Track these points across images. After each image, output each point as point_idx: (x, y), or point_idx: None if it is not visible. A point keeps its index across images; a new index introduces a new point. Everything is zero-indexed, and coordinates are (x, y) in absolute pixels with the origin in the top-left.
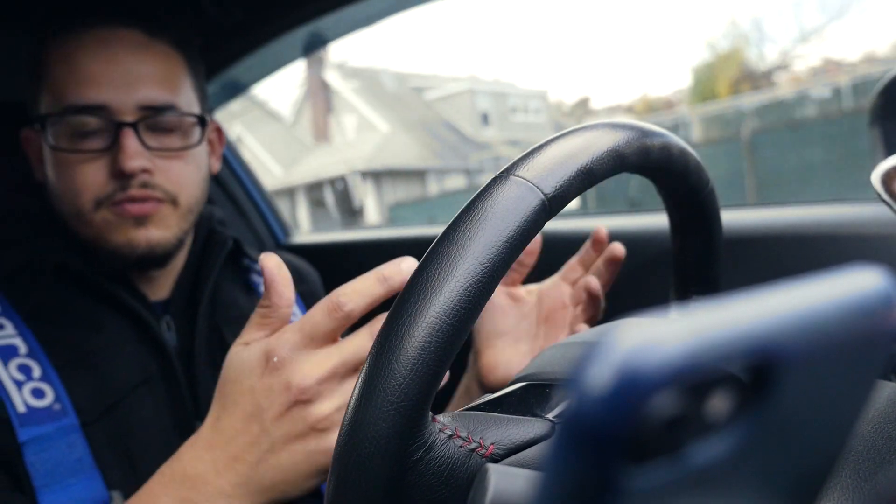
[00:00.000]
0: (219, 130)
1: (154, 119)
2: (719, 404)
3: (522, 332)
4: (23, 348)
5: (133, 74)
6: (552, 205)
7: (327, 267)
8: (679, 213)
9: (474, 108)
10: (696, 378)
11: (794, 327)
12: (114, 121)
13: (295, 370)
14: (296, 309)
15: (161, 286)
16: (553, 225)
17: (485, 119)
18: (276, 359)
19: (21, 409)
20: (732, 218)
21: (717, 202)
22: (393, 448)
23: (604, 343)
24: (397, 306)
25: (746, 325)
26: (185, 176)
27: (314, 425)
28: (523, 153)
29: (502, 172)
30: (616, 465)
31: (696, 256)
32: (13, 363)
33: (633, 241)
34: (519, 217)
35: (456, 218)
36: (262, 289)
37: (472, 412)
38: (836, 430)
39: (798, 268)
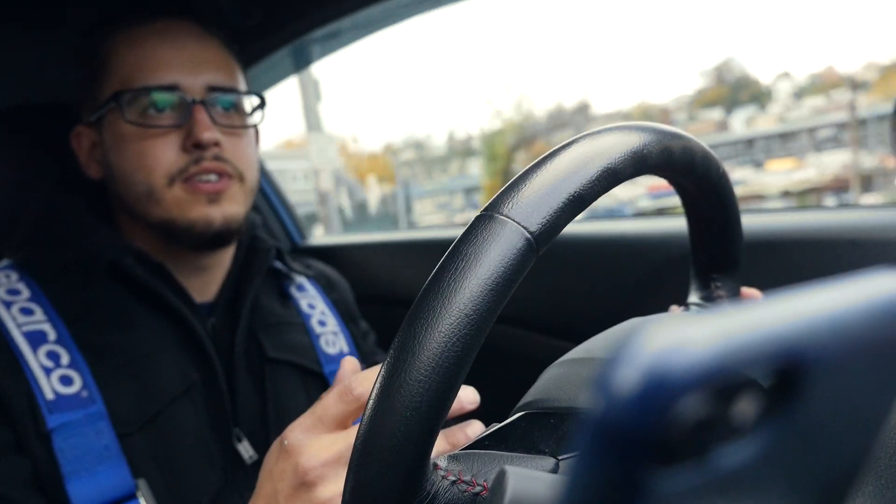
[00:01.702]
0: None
1: (218, 99)
2: (746, 408)
3: None
4: (52, 334)
5: (198, 58)
6: (539, 243)
7: (343, 269)
8: (692, 203)
9: None
10: (724, 381)
11: (822, 331)
12: (185, 99)
13: (302, 452)
14: (328, 312)
15: (207, 288)
16: (565, 229)
17: None
18: (286, 442)
19: (49, 395)
20: (756, 222)
21: (731, 186)
22: None
23: (631, 344)
24: (387, 366)
25: (774, 329)
26: (248, 153)
27: None
28: (507, 185)
29: (486, 210)
30: (643, 467)
31: (715, 241)
32: (42, 350)
33: (651, 243)
34: (504, 262)
35: (440, 266)
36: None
37: (474, 452)
38: (861, 434)
39: (822, 272)
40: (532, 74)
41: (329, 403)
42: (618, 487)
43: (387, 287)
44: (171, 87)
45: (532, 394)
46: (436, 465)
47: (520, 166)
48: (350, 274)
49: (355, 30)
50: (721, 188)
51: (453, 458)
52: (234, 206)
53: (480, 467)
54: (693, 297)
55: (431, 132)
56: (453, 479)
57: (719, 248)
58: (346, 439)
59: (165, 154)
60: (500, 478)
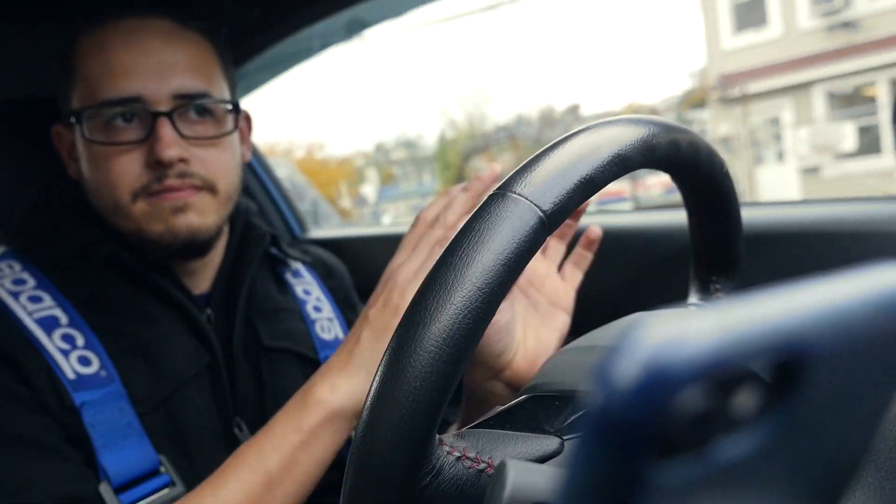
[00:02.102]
0: (248, 119)
1: (189, 107)
2: (745, 401)
3: (530, 316)
4: (63, 318)
5: (166, 64)
6: (551, 222)
7: (344, 261)
8: (695, 200)
9: None
10: (723, 374)
11: (822, 324)
12: (149, 111)
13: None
14: (323, 298)
15: (202, 279)
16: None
17: None
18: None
19: (71, 375)
20: (756, 215)
21: (734, 186)
22: (400, 476)
23: (630, 337)
24: (397, 336)
25: (774, 321)
26: (221, 163)
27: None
28: (520, 165)
29: (499, 188)
30: (643, 460)
31: (715, 241)
32: (56, 333)
33: (652, 237)
34: (516, 238)
35: (453, 241)
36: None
37: (479, 430)
38: (861, 427)
39: (822, 265)
40: (500, 80)
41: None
42: (617, 479)
43: None
44: (134, 99)
45: (536, 378)
46: (441, 441)
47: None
48: (351, 266)
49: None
50: (724, 187)
51: (458, 435)
52: (200, 218)
53: (485, 445)
54: (693, 299)
55: (423, 131)
56: (458, 455)
57: (720, 249)
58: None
59: (128, 171)
60: (501, 470)
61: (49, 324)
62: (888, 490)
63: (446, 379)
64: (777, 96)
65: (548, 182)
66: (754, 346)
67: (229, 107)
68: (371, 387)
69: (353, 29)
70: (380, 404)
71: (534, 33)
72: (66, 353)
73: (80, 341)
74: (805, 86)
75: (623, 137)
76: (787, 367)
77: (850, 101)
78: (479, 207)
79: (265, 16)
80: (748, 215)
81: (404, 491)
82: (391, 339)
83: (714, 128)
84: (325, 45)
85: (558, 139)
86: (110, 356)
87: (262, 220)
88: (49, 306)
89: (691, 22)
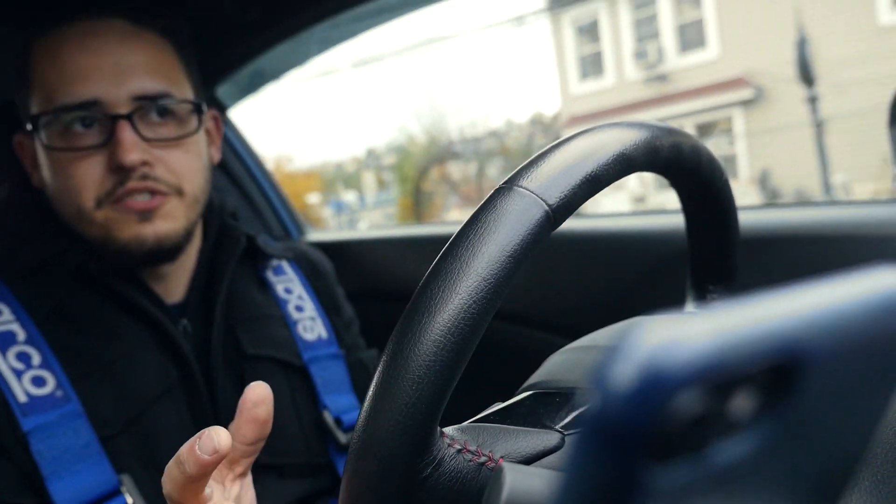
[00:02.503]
0: (216, 119)
1: (149, 109)
2: (742, 403)
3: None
4: (21, 334)
5: (123, 65)
6: (556, 216)
7: (341, 265)
8: (694, 207)
9: None
10: (720, 377)
11: (818, 327)
12: (108, 114)
13: None
14: (305, 296)
15: (175, 287)
16: (563, 225)
17: None
18: None
19: (22, 398)
20: (752, 218)
21: (732, 195)
22: (402, 466)
23: (627, 340)
24: (402, 325)
25: (770, 324)
26: (186, 165)
27: None
28: (527, 161)
29: (506, 183)
30: (640, 463)
31: (712, 250)
32: (11, 351)
33: (647, 240)
34: (522, 230)
35: (459, 232)
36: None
37: (480, 424)
38: (858, 431)
39: (819, 268)
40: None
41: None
42: (615, 483)
43: (388, 283)
44: (92, 103)
45: (536, 376)
46: (443, 433)
47: (430, 186)
48: (350, 270)
49: (356, 22)
50: (723, 194)
51: (460, 429)
52: (168, 223)
53: (486, 438)
54: (689, 307)
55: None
56: (459, 447)
57: (716, 259)
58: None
59: (90, 177)
60: (498, 474)
61: (4, 341)
62: (884, 493)
63: (450, 369)
64: None
65: (554, 177)
66: (751, 349)
67: (190, 107)
68: (374, 376)
69: (331, 42)
70: (383, 393)
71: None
72: (19, 374)
73: (35, 360)
74: None
75: (628, 138)
76: (783, 370)
77: None
78: (486, 200)
79: (261, 19)
80: (745, 218)
81: (404, 481)
82: (395, 329)
83: None
84: (322, 48)
85: (564, 137)
86: (71, 376)
87: (256, 220)
88: (7, 321)
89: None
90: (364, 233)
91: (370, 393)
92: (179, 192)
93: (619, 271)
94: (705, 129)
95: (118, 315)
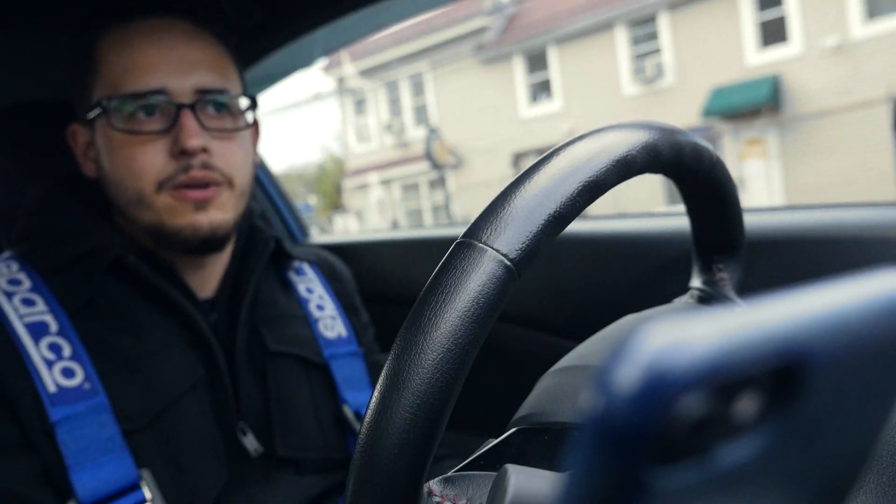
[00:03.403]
0: (256, 123)
1: (209, 101)
2: (747, 406)
3: None
4: (53, 326)
5: (188, 60)
6: (520, 268)
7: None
8: (688, 192)
9: None
10: (725, 379)
11: (823, 329)
12: (173, 103)
13: None
14: (325, 296)
15: (209, 281)
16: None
17: None
18: None
19: (52, 388)
20: (758, 220)
21: (727, 171)
22: None
23: (632, 343)
24: (376, 402)
25: (775, 327)
26: (239, 158)
27: None
28: (485, 208)
29: (465, 236)
30: (644, 465)
31: (715, 222)
32: (44, 342)
33: (651, 242)
34: (484, 293)
35: (421, 298)
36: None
37: (468, 474)
38: (863, 433)
39: (824, 270)
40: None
41: None
42: (619, 485)
43: (392, 285)
44: (158, 92)
45: (526, 407)
46: (430, 492)
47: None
48: (355, 272)
49: (358, 27)
50: (715, 175)
51: (448, 480)
52: (221, 213)
53: (475, 490)
54: (696, 282)
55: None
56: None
57: (720, 230)
58: None
59: (153, 160)
60: (502, 475)
61: (38, 330)
62: (890, 495)
63: (425, 440)
64: (373, 186)
65: (513, 227)
66: (756, 351)
67: (246, 103)
68: (356, 450)
69: (334, 46)
70: (363, 471)
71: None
72: (49, 364)
73: (66, 351)
74: (388, 181)
75: (592, 162)
76: (788, 372)
77: (410, 189)
78: (446, 259)
79: (266, 23)
80: (750, 221)
81: None
82: (371, 404)
83: (348, 198)
84: (326, 50)
85: (522, 173)
86: (100, 370)
87: (265, 223)
88: (41, 311)
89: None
90: (366, 235)
91: (353, 467)
92: (231, 184)
93: (623, 273)
94: (434, 184)
95: (149, 309)
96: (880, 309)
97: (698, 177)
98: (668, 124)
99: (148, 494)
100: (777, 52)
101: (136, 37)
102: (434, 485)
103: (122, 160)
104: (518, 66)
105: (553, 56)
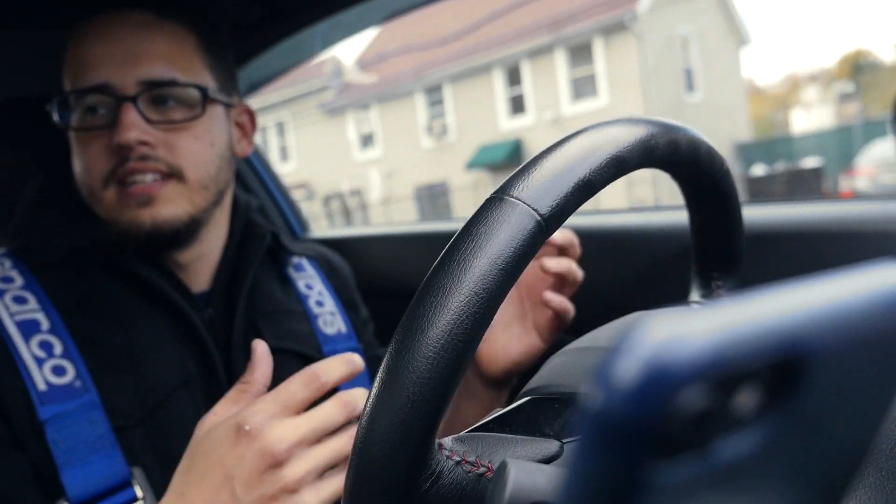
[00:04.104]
0: (250, 113)
1: (153, 93)
2: (747, 400)
3: (509, 315)
4: (45, 324)
5: (134, 52)
6: (548, 225)
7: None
8: (695, 197)
9: None
10: (724, 373)
11: (823, 323)
12: (115, 97)
13: (268, 436)
14: (325, 292)
15: (199, 277)
16: (567, 221)
17: None
18: (247, 427)
19: (42, 386)
20: (757, 214)
21: (734, 183)
22: (401, 481)
23: (631, 336)
24: (397, 342)
25: (775, 320)
26: (191, 149)
27: (286, 487)
28: (518, 168)
29: (497, 192)
30: (644, 459)
31: (716, 238)
32: (35, 340)
33: (652, 237)
34: (514, 243)
35: (451, 244)
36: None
37: (479, 434)
38: (863, 426)
39: (823, 264)
40: None
41: (295, 389)
42: (618, 479)
43: (391, 280)
44: (101, 88)
45: (536, 380)
46: (441, 445)
47: None
48: (353, 267)
49: (356, 22)
50: (724, 184)
51: (458, 439)
52: (169, 209)
53: (485, 449)
54: (694, 296)
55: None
56: (458, 459)
57: (720, 246)
58: (309, 422)
59: (98, 156)
60: (502, 469)
61: (29, 328)
62: (889, 489)
63: (445, 385)
64: None
65: (545, 185)
66: (755, 345)
67: (198, 93)
68: (370, 392)
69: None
70: (379, 410)
71: None
72: (40, 362)
73: (57, 349)
74: None
75: (620, 139)
76: (787, 366)
77: None
78: (477, 211)
79: (263, 18)
80: (749, 214)
81: (404, 496)
82: (390, 346)
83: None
84: (324, 45)
85: (556, 142)
86: (91, 367)
87: (265, 217)
88: (32, 309)
89: None
90: (364, 230)
91: (367, 409)
92: (180, 176)
93: (623, 268)
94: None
95: (141, 305)
96: (880, 302)
97: (708, 181)
98: (692, 129)
99: (139, 493)
100: (519, 121)
101: (88, 33)
102: (444, 441)
103: (76, 158)
104: (350, 120)
105: (375, 113)
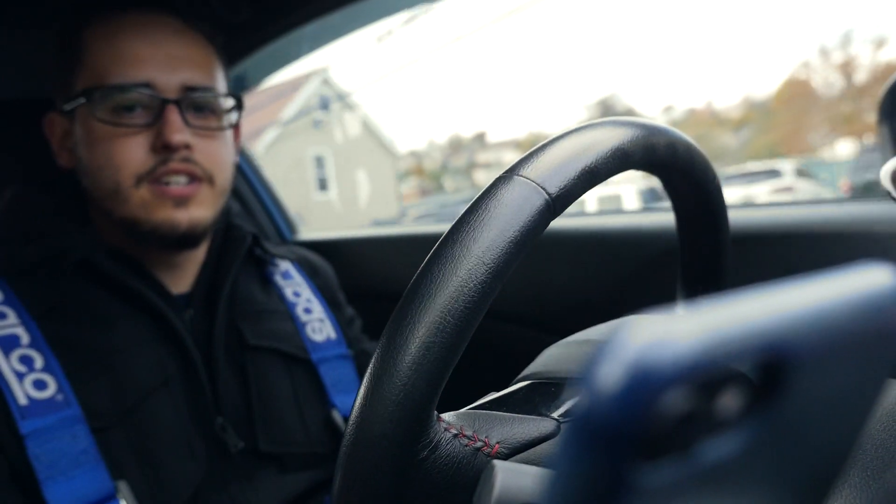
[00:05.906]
0: (237, 123)
1: (195, 98)
2: (730, 402)
3: None
4: (25, 338)
5: (175, 56)
6: (556, 204)
7: (333, 263)
8: (685, 208)
9: None
10: (708, 375)
11: (805, 324)
12: (158, 97)
13: None
14: (313, 299)
15: (183, 278)
16: (554, 223)
17: None
18: None
19: (22, 401)
20: (741, 216)
21: (724, 197)
22: (398, 448)
23: (615, 340)
24: (402, 307)
25: (758, 322)
26: (221, 156)
27: None
28: (528, 152)
29: (506, 172)
30: (627, 462)
31: (702, 253)
32: (14, 354)
33: (638, 239)
34: (523, 217)
35: (459, 218)
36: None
37: (477, 411)
38: (846, 427)
39: (807, 265)
40: None
41: None
42: (603, 482)
43: (378, 282)
44: (144, 86)
45: (532, 367)
46: (439, 417)
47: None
48: (341, 269)
49: (345, 24)
50: (714, 196)
51: (456, 414)
52: (201, 210)
53: (482, 424)
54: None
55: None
56: (455, 432)
57: (707, 260)
58: None
59: (134, 154)
60: (489, 473)
61: (8, 343)
62: (874, 489)
63: (448, 352)
64: None
65: (554, 168)
66: (738, 347)
67: (231, 103)
68: (374, 356)
69: (321, 41)
70: (381, 374)
71: None
72: (20, 377)
73: (38, 363)
74: None
75: (624, 135)
76: (771, 367)
77: None
78: (487, 188)
79: (252, 19)
80: (733, 216)
81: (400, 463)
82: (396, 309)
83: None
84: (313, 46)
85: (564, 131)
86: (68, 371)
87: (248, 221)
88: (12, 324)
89: None
90: (353, 232)
91: (368, 372)
92: (211, 181)
93: (611, 270)
94: None
95: (118, 307)
96: (862, 304)
97: (699, 192)
98: (689, 138)
99: None
100: (326, 195)
101: (124, 29)
102: (444, 415)
103: (102, 151)
104: None
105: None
